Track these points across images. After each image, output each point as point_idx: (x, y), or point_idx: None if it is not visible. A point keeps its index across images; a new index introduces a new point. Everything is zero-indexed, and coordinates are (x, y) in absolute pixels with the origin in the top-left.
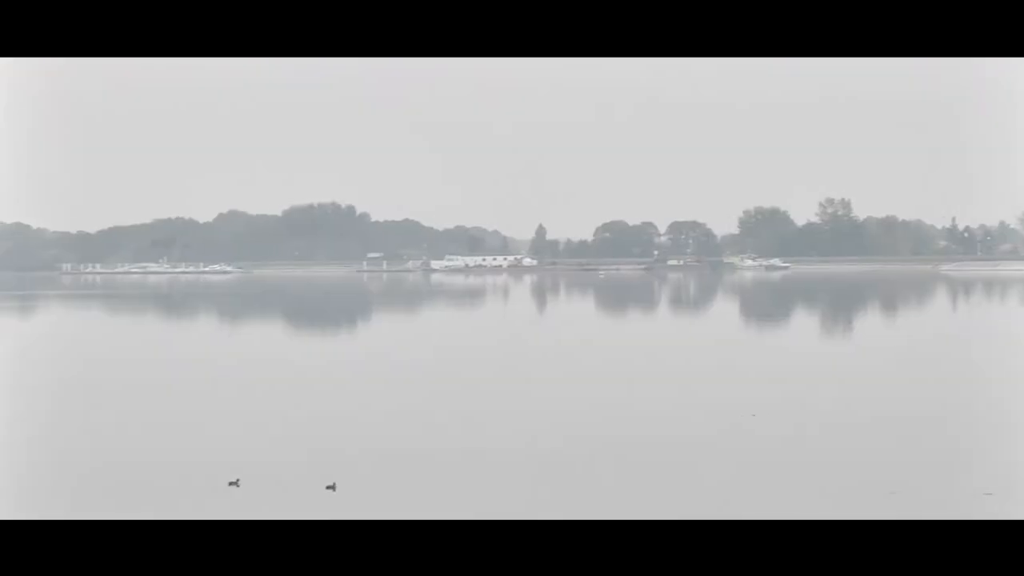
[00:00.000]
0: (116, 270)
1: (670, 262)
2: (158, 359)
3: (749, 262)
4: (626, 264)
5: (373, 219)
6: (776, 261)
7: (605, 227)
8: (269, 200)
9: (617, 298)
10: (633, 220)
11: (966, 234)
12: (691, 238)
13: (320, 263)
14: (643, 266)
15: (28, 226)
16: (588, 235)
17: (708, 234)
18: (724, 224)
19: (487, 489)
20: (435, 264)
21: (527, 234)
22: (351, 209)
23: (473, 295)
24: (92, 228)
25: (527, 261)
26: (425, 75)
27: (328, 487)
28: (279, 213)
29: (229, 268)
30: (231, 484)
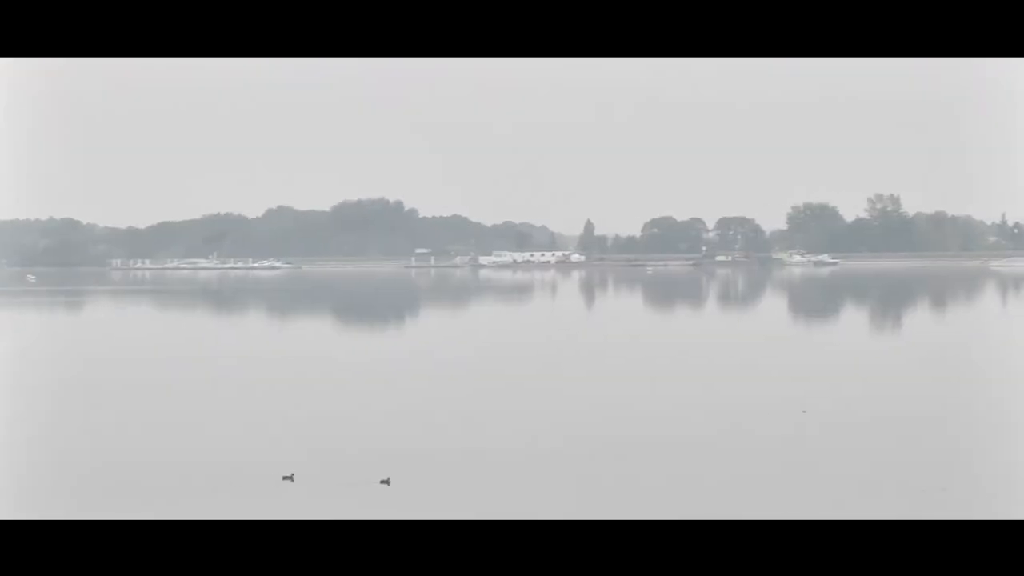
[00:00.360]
0: (165, 266)
1: (718, 258)
2: (208, 356)
3: (798, 258)
4: (674, 260)
5: (421, 215)
6: (825, 257)
7: (653, 223)
8: (318, 196)
9: (665, 294)
10: (681, 216)
11: (1016, 229)
12: (739, 234)
13: (368, 259)
14: (691, 262)
15: (78, 222)
16: (636, 231)
17: (756, 230)
18: (772, 220)
19: (524, 488)
20: (483, 260)
21: (575, 230)
22: (399, 205)
23: (521, 291)
24: (142, 224)
25: (575, 257)
26: (456, 74)
27: (382, 482)
28: (328, 209)
29: (278, 264)
30: (285, 479)
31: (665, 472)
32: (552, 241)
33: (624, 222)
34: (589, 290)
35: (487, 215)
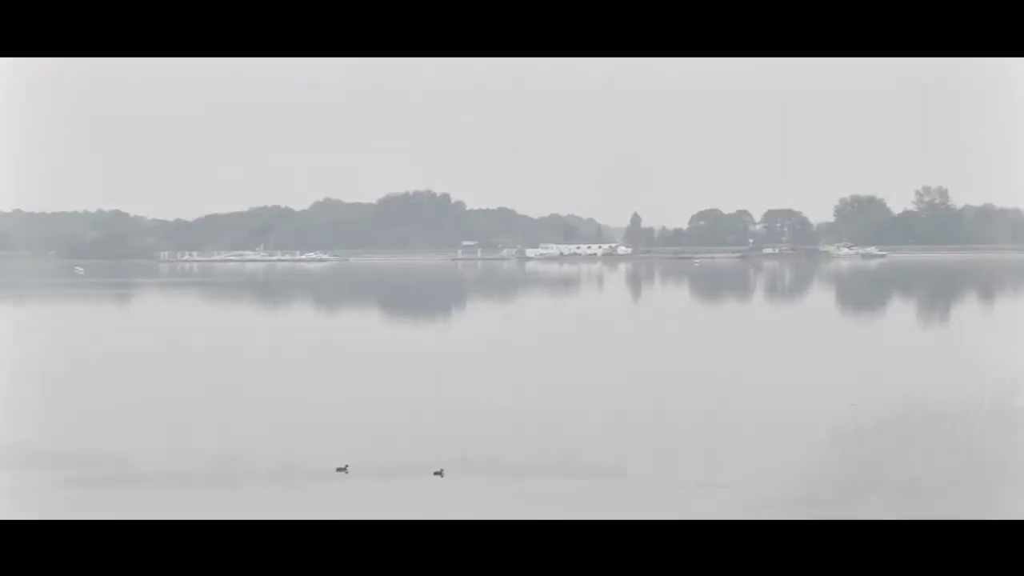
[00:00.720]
0: (213, 258)
1: (765, 250)
2: (255, 346)
3: (845, 250)
4: (721, 252)
5: (468, 207)
6: (872, 249)
7: (700, 215)
8: (364, 189)
9: (712, 286)
10: (728, 208)
11: None
12: (786, 226)
13: (415, 251)
14: (738, 254)
15: (126, 214)
16: (683, 223)
17: (803, 222)
18: (819, 212)
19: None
20: (529, 252)
21: (622, 222)
22: (446, 197)
23: (567, 283)
24: (189, 216)
25: (621, 249)
26: (501, 70)
27: (435, 473)
28: (374, 201)
29: (324, 256)
30: (339, 470)
31: (716, 470)
32: (599, 233)
33: (671, 215)
34: (636, 283)
35: (534, 208)
